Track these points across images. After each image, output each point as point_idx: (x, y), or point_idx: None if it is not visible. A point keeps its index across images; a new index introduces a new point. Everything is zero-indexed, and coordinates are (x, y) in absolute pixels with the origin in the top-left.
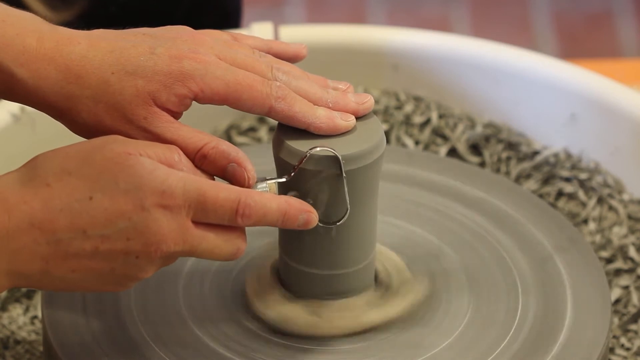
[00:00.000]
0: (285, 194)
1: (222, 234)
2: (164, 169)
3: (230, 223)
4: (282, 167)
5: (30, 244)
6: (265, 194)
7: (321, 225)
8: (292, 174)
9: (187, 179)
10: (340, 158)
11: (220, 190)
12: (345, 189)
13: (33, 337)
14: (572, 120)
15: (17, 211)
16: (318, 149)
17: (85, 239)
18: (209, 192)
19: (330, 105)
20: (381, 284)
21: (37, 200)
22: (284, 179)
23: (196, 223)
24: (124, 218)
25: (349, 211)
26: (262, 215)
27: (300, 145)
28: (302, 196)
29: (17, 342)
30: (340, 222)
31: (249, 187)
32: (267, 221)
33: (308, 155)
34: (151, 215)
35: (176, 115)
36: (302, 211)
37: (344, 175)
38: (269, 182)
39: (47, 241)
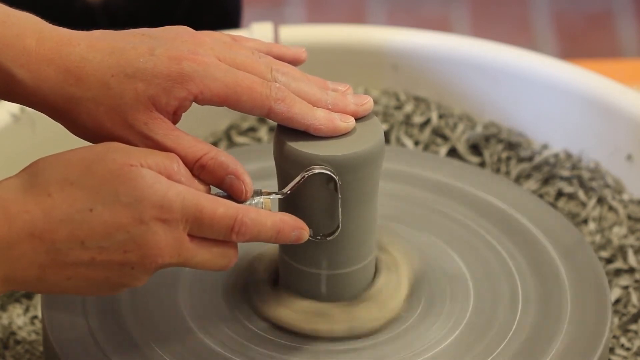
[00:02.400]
0: (281, 207)
1: (215, 247)
2: (164, 182)
3: (225, 239)
4: (282, 171)
5: (29, 252)
6: (262, 212)
7: (312, 239)
8: (289, 192)
9: (186, 193)
10: (337, 179)
11: (218, 206)
12: (339, 207)
13: (33, 337)
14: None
15: (18, 220)
16: (317, 170)
17: (83, 249)
18: (207, 208)
19: (330, 107)
20: (379, 286)
21: (38, 210)
22: (279, 195)
23: (192, 236)
24: (123, 231)
25: (340, 228)
26: (257, 233)
27: (301, 147)
28: (297, 210)
29: (17, 342)
30: (332, 237)
31: (245, 199)
32: (260, 238)
33: (306, 176)
34: (150, 228)
35: (176, 117)
36: (295, 228)
37: (339, 195)
38: (264, 197)
39: (46, 250)
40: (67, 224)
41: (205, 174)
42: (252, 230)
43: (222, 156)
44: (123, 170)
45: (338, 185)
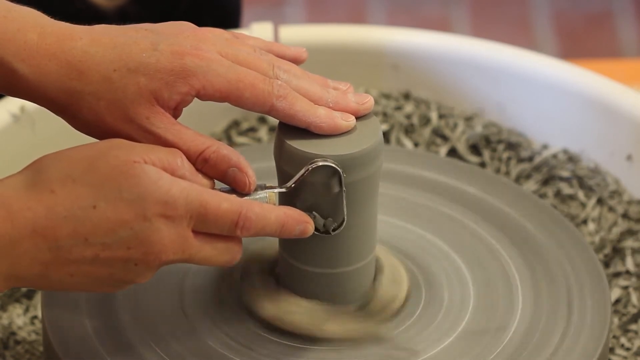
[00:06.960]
0: (286, 202)
1: (219, 243)
2: (167, 179)
3: (229, 234)
4: (282, 171)
5: (31, 249)
6: (265, 206)
7: (317, 234)
8: (293, 185)
9: (189, 189)
10: (341, 172)
11: (221, 201)
12: (344, 200)
13: (33, 337)
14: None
15: (21, 218)
16: (320, 163)
17: (87, 246)
18: (211, 203)
19: (331, 105)
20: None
21: (40, 207)
22: (283, 189)
23: (195, 232)
24: (126, 227)
25: (345, 222)
26: (261, 227)
27: (301, 146)
28: (301, 204)
29: (17, 342)
30: (337, 231)
31: (249, 192)
32: (265, 232)
33: (310, 169)
34: (153, 225)
35: (177, 112)
36: (299, 222)
37: (343, 189)
38: (268, 191)
39: (49, 247)
40: (70, 221)
41: (208, 168)
42: (257, 225)
43: (225, 149)
44: (126, 167)
45: (342, 177)
